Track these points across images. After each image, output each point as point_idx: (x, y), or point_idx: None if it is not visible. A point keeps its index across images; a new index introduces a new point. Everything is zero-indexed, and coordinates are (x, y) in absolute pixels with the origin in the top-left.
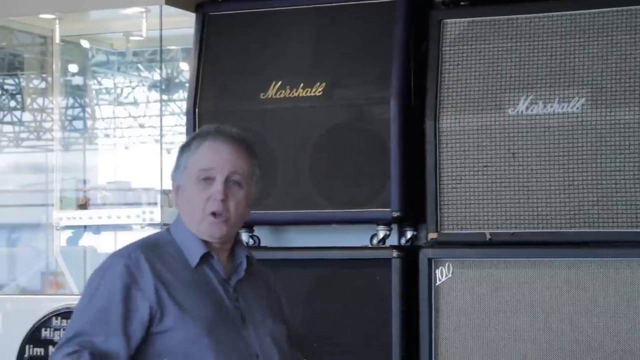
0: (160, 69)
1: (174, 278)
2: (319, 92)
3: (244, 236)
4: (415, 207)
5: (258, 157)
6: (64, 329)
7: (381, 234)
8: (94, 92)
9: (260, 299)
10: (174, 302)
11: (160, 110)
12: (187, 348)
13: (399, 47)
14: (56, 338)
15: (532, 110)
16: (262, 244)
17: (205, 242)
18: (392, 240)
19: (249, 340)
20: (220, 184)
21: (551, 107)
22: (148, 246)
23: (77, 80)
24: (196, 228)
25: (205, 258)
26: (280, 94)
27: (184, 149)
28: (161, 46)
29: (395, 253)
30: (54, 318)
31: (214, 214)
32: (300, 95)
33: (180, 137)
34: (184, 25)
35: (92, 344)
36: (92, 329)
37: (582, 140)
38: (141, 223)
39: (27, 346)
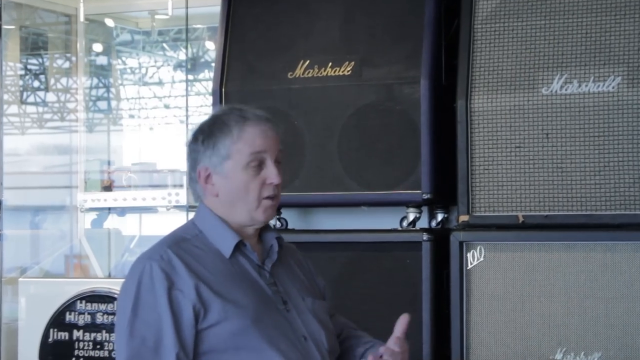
0: (186, 48)
1: (208, 272)
2: (348, 71)
3: None
4: (446, 189)
5: None
6: (88, 313)
7: (411, 217)
8: (118, 72)
9: (295, 278)
10: (215, 296)
11: (186, 90)
12: (235, 341)
13: (429, 25)
14: (80, 322)
15: (566, 90)
16: (289, 227)
17: (237, 231)
18: (423, 222)
19: (295, 323)
20: (273, 167)
21: (586, 86)
22: (176, 243)
23: (102, 60)
24: (248, 216)
25: (238, 246)
26: (308, 73)
27: (223, 134)
28: (187, 25)
29: (425, 236)
30: (78, 301)
31: (270, 197)
32: (329, 74)
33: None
34: (210, 3)
35: None
36: (148, 349)
37: (617, 120)
38: (167, 205)
39: (51, 330)
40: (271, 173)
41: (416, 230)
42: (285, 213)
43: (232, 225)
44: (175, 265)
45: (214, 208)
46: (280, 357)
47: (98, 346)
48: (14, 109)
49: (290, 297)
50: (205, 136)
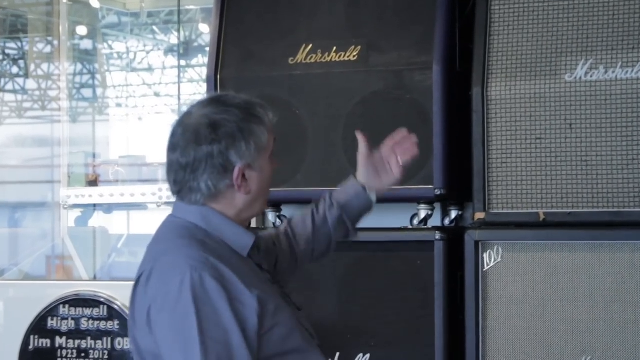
0: (178, 31)
1: (244, 274)
2: (354, 56)
3: (271, 216)
4: (460, 184)
5: None
6: (72, 318)
7: (423, 214)
8: (104, 57)
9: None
10: (266, 300)
11: (178, 77)
12: (283, 345)
13: (442, 6)
14: (63, 328)
15: (591, 76)
16: None
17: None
18: (435, 220)
19: (303, 322)
20: None
21: (613, 72)
22: (205, 247)
23: (86, 44)
24: (262, 207)
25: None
26: (311, 58)
27: (258, 123)
28: (179, 6)
29: (438, 235)
30: (61, 306)
31: None
32: (333, 60)
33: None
34: None
35: None
36: None
37: None
38: (157, 201)
39: (31, 337)
40: (273, 159)
41: (428, 229)
42: (286, 210)
43: (240, 224)
44: (223, 272)
45: (225, 209)
46: (320, 356)
47: (83, 354)
48: None
49: (286, 295)
50: (243, 126)
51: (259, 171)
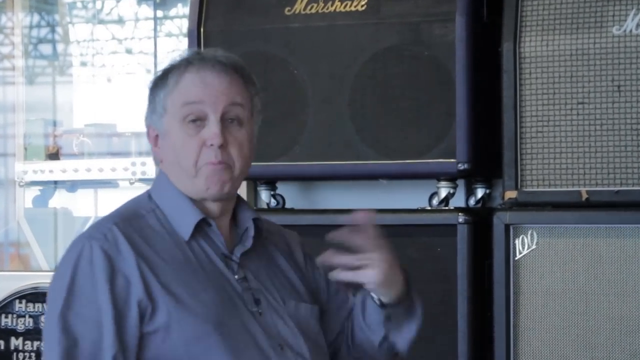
0: None
1: (161, 259)
2: (362, 6)
3: (264, 195)
4: (488, 158)
5: (256, 83)
6: (30, 316)
7: (443, 193)
8: (66, 6)
9: (277, 274)
10: (166, 291)
11: (154, 30)
12: (190, 351)
13: None
14: (20, 327)
15: None
16: (287, 206)
17: (202, 207)
18: (458, 200)
19: (269, 328)
20: (215, 124)
21: None
22: (125, 220)
23: None
24: (190, 186)
25: (200, 227)
26: (312, 8)
27: (157, 84)
28: None
29: (461, 217)
30: (16, 301)
31: (212, 163)
32: (337, 10)
33: None
34: None
35: None
36: (84, 352)
37: None
38: (129, 178)
39: None
40: (209, 131)
41: (450, 210)
42: (282, 188)
43: (195, 200)
44: (121, 247)
45: (169, 176)
46: None
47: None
48: None
49: (265, 295)
50: (151, 87)
51: (165, 137)
